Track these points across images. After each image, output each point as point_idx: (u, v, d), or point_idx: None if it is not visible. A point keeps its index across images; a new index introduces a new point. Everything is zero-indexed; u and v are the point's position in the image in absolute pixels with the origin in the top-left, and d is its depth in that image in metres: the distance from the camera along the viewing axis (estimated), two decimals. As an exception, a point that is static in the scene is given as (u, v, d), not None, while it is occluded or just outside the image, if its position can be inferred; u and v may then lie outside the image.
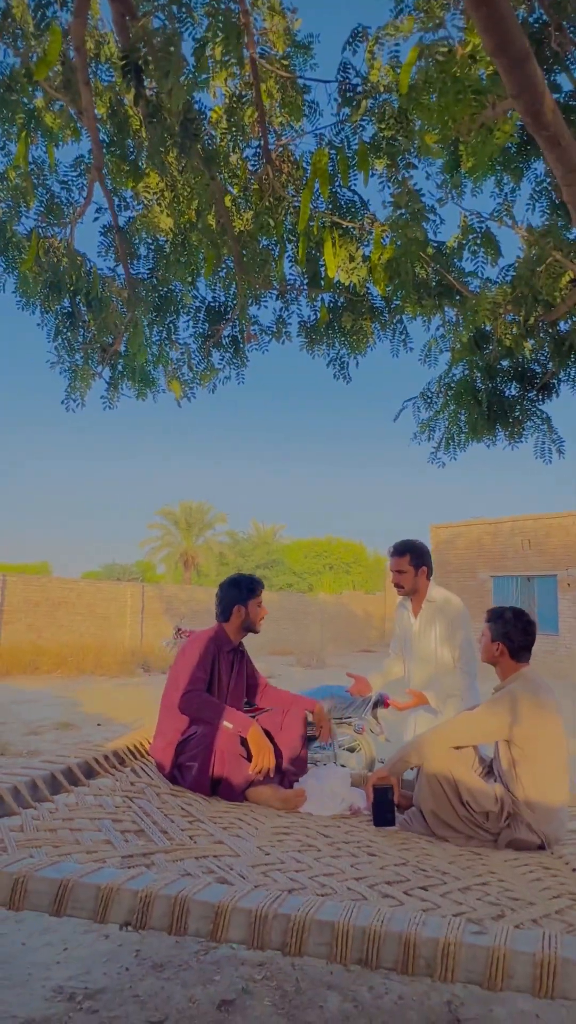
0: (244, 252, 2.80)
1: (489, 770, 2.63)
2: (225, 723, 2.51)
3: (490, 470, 70.53)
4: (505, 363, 3.94)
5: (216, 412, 66.94)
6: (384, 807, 2.41)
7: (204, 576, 39.33)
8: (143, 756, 2.89)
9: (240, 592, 2.94)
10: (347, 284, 2.78)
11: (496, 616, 2.62)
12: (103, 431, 66.88)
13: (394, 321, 3.18)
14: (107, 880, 1.55)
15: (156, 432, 67.05)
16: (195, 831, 2.12)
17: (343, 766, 4.89)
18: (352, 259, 2.69)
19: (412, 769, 2.51)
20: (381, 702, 5.11)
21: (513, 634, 2.55)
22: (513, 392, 4.01)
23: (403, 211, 2.19)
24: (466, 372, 4.00)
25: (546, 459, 4.26)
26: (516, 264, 2.90)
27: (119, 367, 3.71)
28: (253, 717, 3.11)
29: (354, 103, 2.38)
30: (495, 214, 2.77)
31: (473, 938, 1.41)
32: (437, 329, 3.40)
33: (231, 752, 2.52)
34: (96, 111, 2.62)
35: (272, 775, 2.48)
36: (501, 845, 2.29)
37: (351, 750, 5.08)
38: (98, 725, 8.04)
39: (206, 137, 2.68)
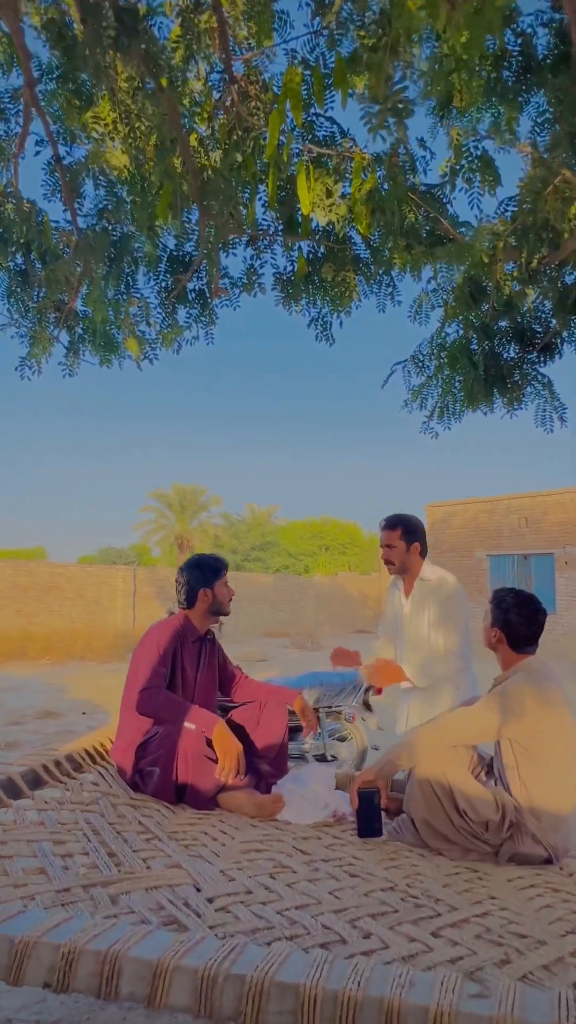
0: (208, 189, 2.45)
1: (489, 769, 2.35)
2: (187, 724, 2.21)
3: (487, 447, 70.08)
4: (503, 323, 3.60)
5: (205, 392, 66.19)
6: (370, 815, 2.14)
7: (199, 559, 38.95)
8: (104, 760, 2.60)
9: (204, 574, 2.64)
10: (325, 225, 2.44)
11: (498, 599, 2.32)
12: (93, 414, 66.08)
13: (380, 273, 2.84)
14: (23, 932, 1.26)
15: (147, 414, 66.23)
16: (150, 852, 1.84)
17: (333, 757, 4.63)
18: (330, 194, 2.36)
19: (403, 771, 2.23)
20: (373, 688, 4.84)
21: (514, 621, 2.26)
22: (512, 354, 3.68)
23: (380, 109, 1.84)
24: (460, 333, 3.66)
25: (547, 427, 3.94)
26: (519, 188, 2.56)
27: (78, 330, 3.37)
28: (226, 713, 2.83)
29: (328, 3, 2.02)
30: (493, 130, 2.42)
31: (473, 1004, 1.13)
32: (428, 282, 3.05)
33: (196, 755, 2.23)
34: (30, 20, 2.25)
35: (242, 779, 2.20)
36: (503, 859, 2.02)
37: (342, 739, 4.82)
38: (83, 713, 7.79)
39: (161, 57, 2.32)
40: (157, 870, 1.73)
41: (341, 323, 3.36)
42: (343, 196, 2.39)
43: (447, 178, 2.45)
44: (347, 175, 2.38)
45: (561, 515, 16.02)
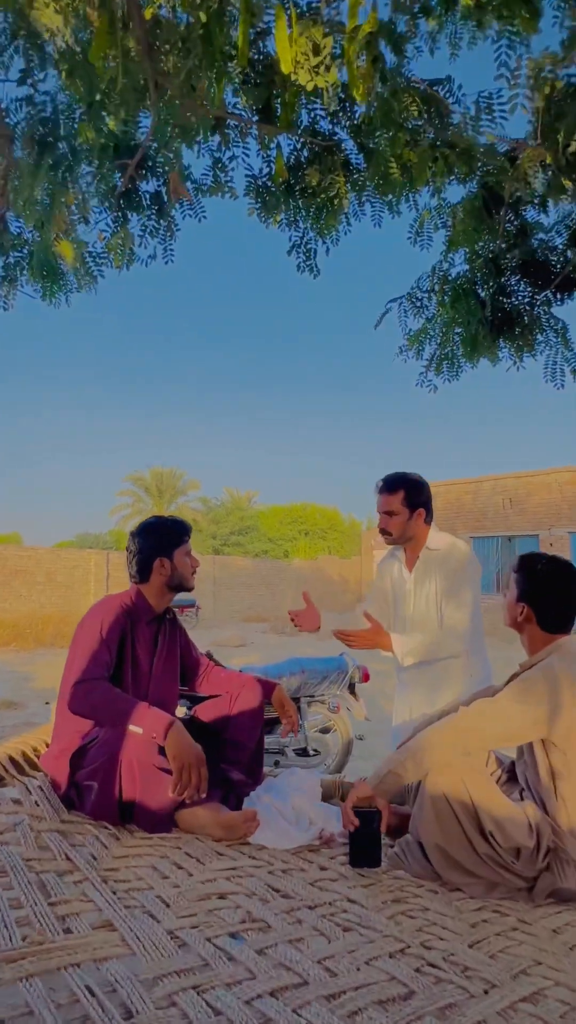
0: (160, 48, 1.92)
1: (511, 776, 1.90)
2: (131, 726, 1.72)
3: (471, 424, 69.91)
4: (514, 258, 3.12)
5: (179, 365, 64.89)
6: (366, 842, 1.68)
7: (177, 543, 38.44)
8: (35, 769, 2.10)
9: (160, 540, 2.14)
10: (312, 91, 1.94)
11: (527, 567, 1.86)
12: (68, 392, 64.54)
13: (377, 178, 2.35)
14: None
15: (122, 393, 64.84)
16: (74, 905, 1.35)
17: (316, 751, 4.19)
18: (318, 51, 1.85)
19: (410, 783, 1.77)
20: (360, 675, 4.40)
21: (548, 595, 1.80)
22: (523, 294, 3.21)
23: None
24: (466, 270, 3.18)
25: (557, 382, 3.49)
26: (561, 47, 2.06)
27: (10, 257, 2.81)
28: (190, 709, 2.34)
29: None
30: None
31: None
32: (432, 196, 2.55)
33: (143, 765, 1.75)
34: None
35: (202, 794, 1.71)
36: (539, 896, 1.57)
37: (325, 731, 4.38)
38: (46, 703, 7.26)
39: None
40: (78, 935, 1.24)
41: (328, 249, 2.85)
42: (336, 57, 1.88)
43: (472, 15, 1.93)
44: (339, 39, 1.86)
45: (546, 496, 15.74)
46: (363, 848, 1.69)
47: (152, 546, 2.14)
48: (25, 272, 2.83)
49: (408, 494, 2.34)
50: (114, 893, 1.42)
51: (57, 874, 1.47)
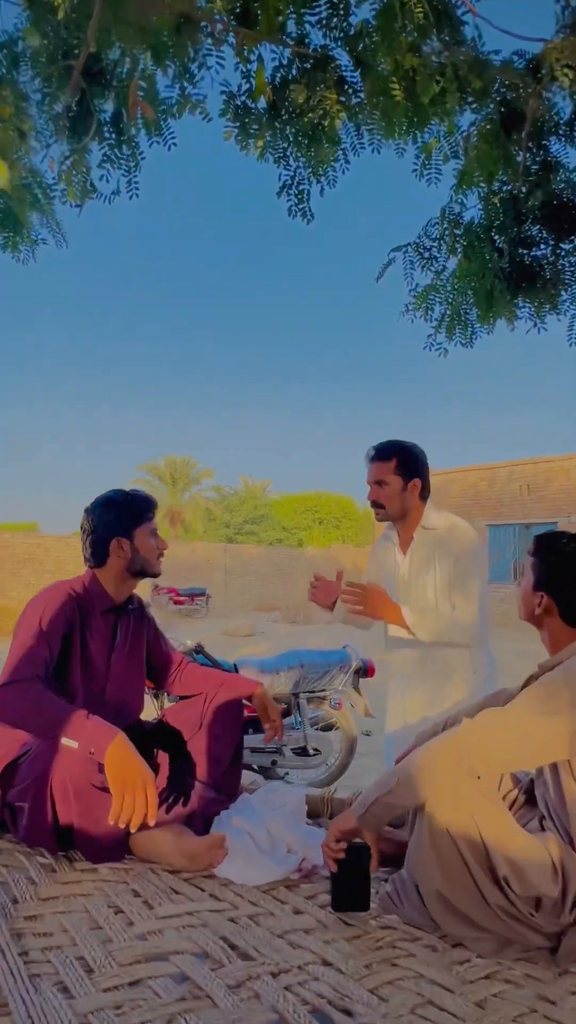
0: None
1: (530, 797, 1.58)
2: (64, 739, 1.42)
3: (489, 408, 68.73)
4: (535, 199, 2.74)
5: (192, 353, 64.45)
6: (350, 882, 1.37)
7: (191, 532, 38.51)
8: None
9: (118, 517, 1.82)
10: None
11: (544, 549, 1.54)
12: (80, 380, 64.47)
13: (375, 94, 2.00)
14: None
15: (134, 382, 64.63)
16: (-36, 974, 1.06)
17: (316, 751, 3.89)
18: None
19: (403, 812, 1.44)
20: (364, 669, 4.09)
21: (569, 581, 1.48)
22: (547, 242, 2.84)
23: None
24: (481, 215, 2.81)
25: (581, 344, 3.13)
26: None
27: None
28: (159, 713, 2.04)
29: None
30: None
31: None
32: (439, 119, 2.18)
33: (80, 786, 1.45)
34: None
35: (150, 822, 1.40)
36: (565, 959, 1.25)
37: (327, 728, 4.08)
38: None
39: None
40: (-44, 1024, 0.95)
41: (322, 189, 2.50)
42: None
43: None
44: None
45: (565, 482, 15.24)
46: (348, 890, 1.38)
47: (108, 524, 1.83)
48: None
49: (401, 462, 2.05)
50: (23, 955, 1.12)
51: (-43, 927, 1.18)
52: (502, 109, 2.21)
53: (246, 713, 2.07)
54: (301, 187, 2.52)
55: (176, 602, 17.15)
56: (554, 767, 1.39)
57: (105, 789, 1.45)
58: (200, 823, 1.71)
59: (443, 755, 1.32)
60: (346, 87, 2.17)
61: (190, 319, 63.01)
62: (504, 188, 2.62)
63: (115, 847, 1.53)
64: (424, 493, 2.12)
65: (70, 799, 1.44)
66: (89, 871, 1.50)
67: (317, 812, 1.94)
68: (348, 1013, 1.05)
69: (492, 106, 2.21)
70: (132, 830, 1.40)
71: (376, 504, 2.10)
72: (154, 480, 38.19)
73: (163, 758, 1.94)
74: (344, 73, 2.17)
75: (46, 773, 1.45)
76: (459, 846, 1.26)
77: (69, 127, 2.15)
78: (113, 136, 2.23)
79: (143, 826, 1.42)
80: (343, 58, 2.16)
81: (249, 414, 66.49)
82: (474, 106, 2.21)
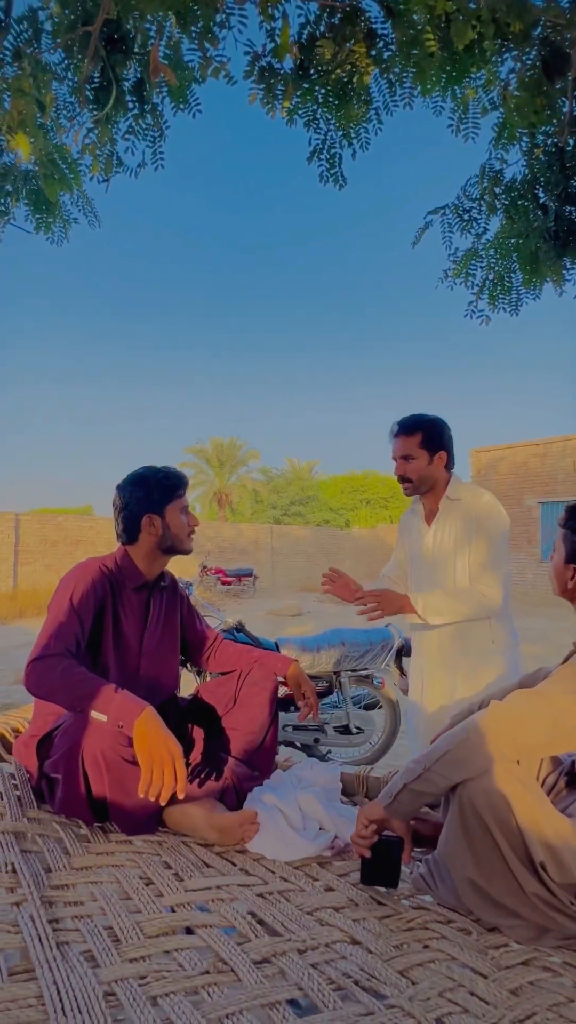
0: None
1: (572, 780, 1.51)
2: (93, 712, 1.43)
3: (541, 382, 66.47)
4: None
5: (239, 333, 64.35)
6: (381, 866, 1.34)
7: (239, 514, 38.84)
8: (10, 754, 1.87)
9: (150, 493, 1.82)
10: None
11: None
12: (128, 361, 65.33)
13: (406, 45, 1.88)
14: None
15: (181, 363, 65.05)
16: (-5, 939, 1.08)
17: (359, 729, 3.87)
18: None
19: (433, 799, 1.40)
20: (407, 648, 4.03)
21: None
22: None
23: None
24: (524, 170, 2.66)
25: None
26: None
27: (8, 185, 2.51)
28: (194, 690, 2.05)
29: None
30: None
31: None
32: (475, 67, 2.04)
33: (111, 759, 1.46)
34: None
35: (180, 795, 1.40)
36: (607, 948, 1.19)
37: (370, 707, 4.05)
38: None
39: None
40: (-16, 987, 0.97)
41: (354, 153, 2.40)
42: None
43: None
44: None
45: (622, 457, 14.63)
46: (377, 871, 1.35)
47: (139, 500, 1.83)
48: (22, 200, 2.52)
49: (427, 436, 2.05)
50: (52, 923, 1.14)
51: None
52: (544, 53, 2.07)
53: (286, 690, 2.06)
54: (333, 151, 2.43)
55: (224, 583, 17.35)
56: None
57: (135, 762, 1.46)
58: (233, 798, 1.71)
59: (472, 739, 1.26)
60: (376, 40, 2.06)
61: (229, 297, 62.96)
62: (549, 141, 2.46)
63: (148, 820, 1.55)
64: (450, 465, 2.10)
65: (102, 771, 1.45)
66: (123, 842, 1.52)
67: (352, 790, 1.92)
68: (375, 993, 1.03)
69: (534, 51, 2.07)
70: (162, 803, 1.40)
71: (404, 479, 2.12)
72: (201, 462, 38.56)
73: (198, 733, 1.96)
74: (375, 25, 2.06)
75: (77, 744, 1.47)
76: (492, 832, 1.22)
77: (92, 98, 2.11)
78: (136, 105, 2.19)
79: (173, 800, 1.42)
80: (373, 9, 2.05)
81: (296, 392, 66.20)
82: (514, 52, 2.07)
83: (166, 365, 64.75)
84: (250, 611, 14.54)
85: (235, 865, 1.47)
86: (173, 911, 1.24)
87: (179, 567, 18.41)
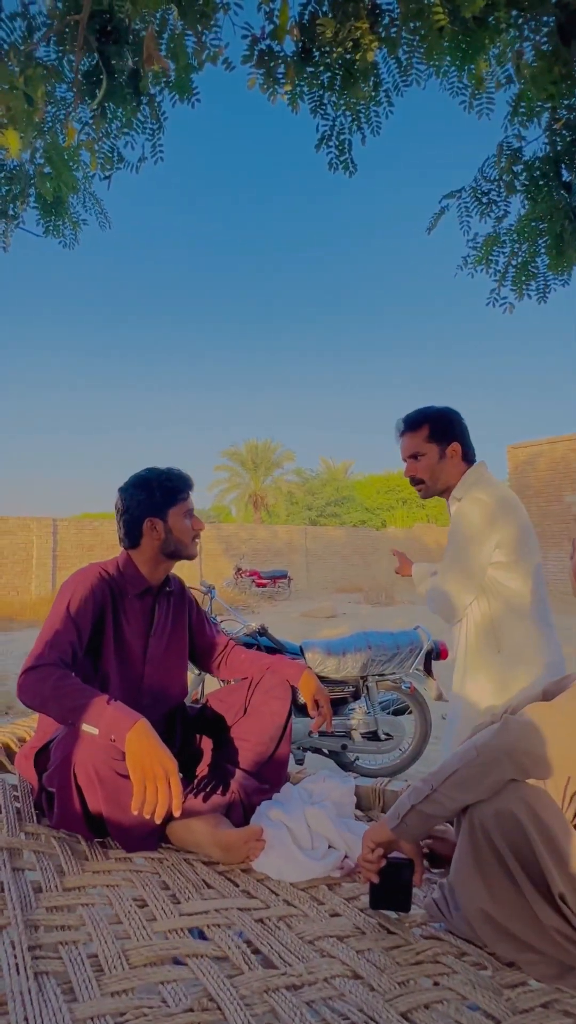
0: None
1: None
2: (84, 725, 1.37)
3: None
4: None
5: (270, 335, 64.49)
6: (391, 889, 1.24)
7: (274, 517, 38.90)
8: (13, 765, 1.83)
9: (152, 496, 1.76)
10: None
11: None
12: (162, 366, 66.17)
13: (414, 20, 1.78)
14: None
15: (214, 366, 65.63)
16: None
17: (388, 736, 3.76)
18: None
19: (443, 821, 1.30)
20: (436, 652, 3.90)
21: None
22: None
23: None
24: (545, 146, 2.52)
25: None
26: None
27: (15, 188, 2.50)
28: (203, 698, 1.98)
29: None
30: None
31: None
32: (488, 39, 1.92)
33: (104, 774, 1.39)
34: None
35: (175, 812, 1.33)
36: None
37: (399, 712, 3.93)
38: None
39: None
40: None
41: (363, 137, 2.30)
42: None
43: None
44: None
45: None
46: (387, 894, 1.26)
47: (141, 504, 1.77)
48: (30, 203, 2.50)
49: (434, 428, 1.88)
50: (34, 949, 1.08)
51: (-23, 915, 1.16)
52: (561, 19, 1.93)
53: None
54: (342, 137, 2.34)
55: (259, 585, 17.36)
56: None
57: (129, 777, 1.40)
58: (240, 813, 1.64)
59: (481, 758, 1.15)
60: (381, 16, 1.97)
61: (254, 301, 63.16)
62: (572, 115, 2.32)
63: (149, 836, 1.48)
64: (468, 457, 1.92)
65: (95, 786, 1.40)
66: (122, 860, 1.46)
67: (368, 805, 1.83)
68: (373, 1040, 0.94)
69: (550, 16, 1.94)
70: (156, 822, 1.33)
71: (415, 480, 1.93)
72: (236, 465, 38.77)
73: (207, 744, 1.89)
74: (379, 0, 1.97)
75: (68, 758, 1.41)
76: (505, 859, 1.11)
77: (86, 91, 2.07)
78: (132, 97, 2.14)
79: (169, 817, 1.35)
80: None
81: (329, 392, 66.00)
82: (528, 19, 1.94)
83: (204, 369, 65.36)
84: (284, 613, 14.48)
85: (237, 886, 1.39)
86: (165, 937, 1.17)
87: (214, 570, 18.48)
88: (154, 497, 1.77)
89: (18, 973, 1.00)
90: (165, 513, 1.77)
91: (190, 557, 1.84)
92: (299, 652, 3.77)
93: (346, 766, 3.76)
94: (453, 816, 1.20)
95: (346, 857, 1.49)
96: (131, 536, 1.79)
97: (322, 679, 3.68)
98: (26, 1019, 0.91)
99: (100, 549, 16.21)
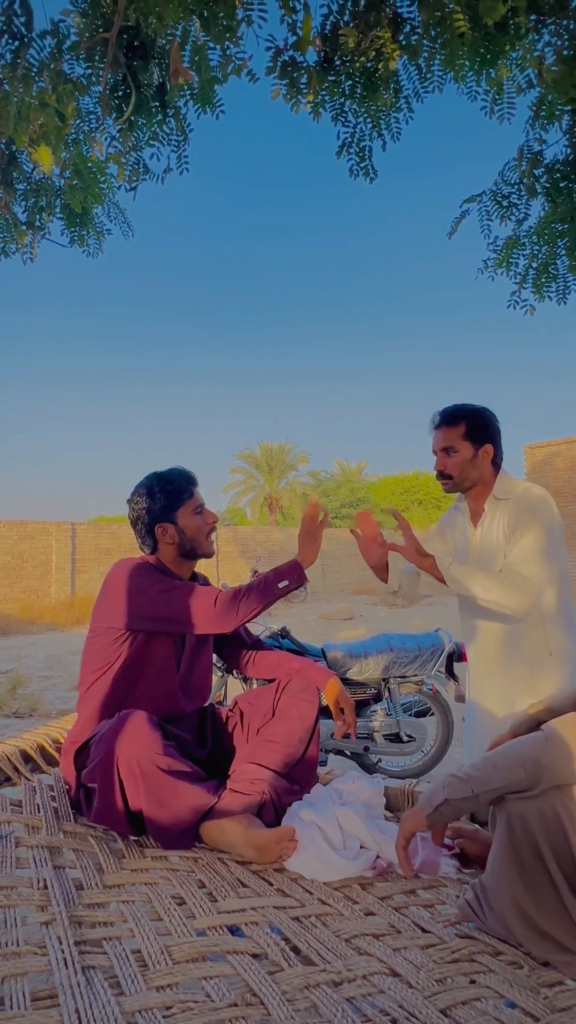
0: None
1: None
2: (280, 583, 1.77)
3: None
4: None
5: (286, 335, 64.72)
6: None
7: (289, 518, 38.93)
8: (55, 764, 1.87)
9: (156, 503, 1.80)
10: None
11: None
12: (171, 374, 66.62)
13: (436, 27, 1.80)
14: None
15: (228, 368, 65.97)
16: (20, 962, 1.05)
17: (410, 738, 3.76)
18: None
19: (478, 810, 1.31)
20: (457, 653, 3.90)
21: None
22: None
23: None
24: (567, 149, 2.52)
25: None
26: None
27: (42, 200, 2.55)
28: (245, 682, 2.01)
29: None
30: None
31: None
32: (508, 43, 1.94)
33: (148, 769, 1.42)
34: None
35: (208, 805, 1.35)
36: None
37: (422, 714, 3.94)
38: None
39: None
40: (6, 1009, 0.94)
41: (384, 144, 2.33)
42: None
43: None
44: None
45: None
46: None
47: (149, 511, 1.81)
48: (56, 215, 2.56)
49: (471, 426, 1.87)
50: (79, 944, 1.11)
51: (22, 910, 1.19)
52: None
53: None
54: (363, 143, 2.36)
55: (275, 587, 17.36)
56: None
57: (171, 772, 1.43)
58: (272, 813, 1.66)
59: (530, 777, 1.16)
60: (403, 24, 1.99)
61: (266, 300, 63.40)
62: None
63: (184, 834, 1.51)
64: (497, 460, 1.93)
65: (137, 780, 1.43)
66: (159, 858, 1.49)
67: (397, 806, 1.84)
68: (414, 1036, 0.95)
69: (571, 21, 1.95)
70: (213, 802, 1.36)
71: (443, 475, 1.94)
72: (251, 468, 38.88)
73: (239, 742, 1.92)
74: (400, 9, 1.99)
75: (112, 752, 1.45)
76: (545, 858, 1.12)
77: (115, 106, 2.11)
78: (159, 111, 2.18)
79: (203, 816, 1.38)
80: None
81: (343, 393, 66.02)
82: (549, 24, 1.95)
83: (220, 367, 65.73)
84: (301, 615, 14.50)
85: (272, 885, 1.42)
86: (204, 934, 1.19)
87: (231, 572, 18.55)
88: (159, 503, 1.81)
89: (67, 967, 1.03)
90: (173, 516, 1.81)
91: (207, 554, 1.87)
92: (320, 654, 3.79)
93: (368, 768, 3.77)
94: (486, 808, 1.21)
95: (378, 857, 1.50)
96: (148, 544, 1.83)
97: (344, 681, 3.70)
98: (77, 1011, 0.94)
99: (118, 552, 16.33)
